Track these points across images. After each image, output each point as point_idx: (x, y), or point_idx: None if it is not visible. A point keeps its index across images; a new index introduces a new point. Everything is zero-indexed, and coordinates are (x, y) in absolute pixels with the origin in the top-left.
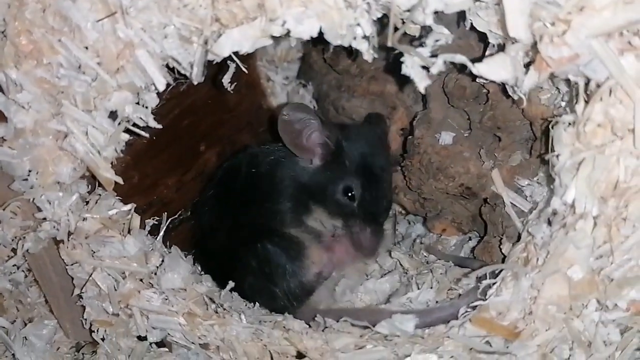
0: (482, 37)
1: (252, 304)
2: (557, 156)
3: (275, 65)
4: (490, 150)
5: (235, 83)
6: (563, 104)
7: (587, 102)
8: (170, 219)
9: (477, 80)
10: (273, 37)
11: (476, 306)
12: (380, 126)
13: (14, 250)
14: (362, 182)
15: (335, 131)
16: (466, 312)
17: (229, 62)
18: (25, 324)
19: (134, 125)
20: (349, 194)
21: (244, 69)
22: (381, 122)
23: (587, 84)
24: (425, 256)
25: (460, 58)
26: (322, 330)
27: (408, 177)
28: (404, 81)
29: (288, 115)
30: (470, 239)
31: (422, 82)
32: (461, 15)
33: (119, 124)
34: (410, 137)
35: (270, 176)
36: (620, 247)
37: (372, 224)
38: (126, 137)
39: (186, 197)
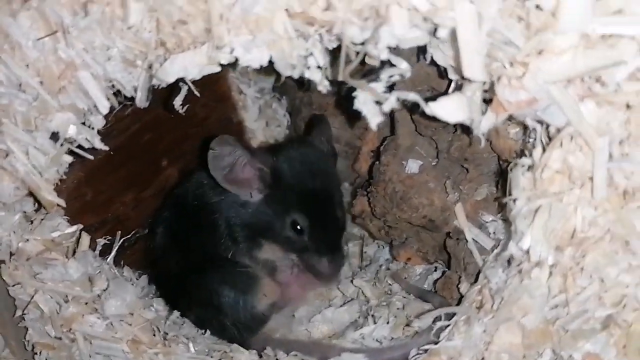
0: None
1: (203, 331)
2: (514, 201)
3: (249, 78)
4: (456, 182)
5: (202, 96)
6: (530, 139)
7: (547, 144)
8: (123, 238)
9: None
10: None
11: (427, 349)
12: (326, 132)
13: None
14: (308, 212)
15: (269, 160)
16: (417, 354)
17: (180, 83)
18: None
19: (80, 146)
20: (297, 227)
21: (196, 93)
22: (324, 127)
23: (547, 127)
24: (390, 284)
25: (413, 96)
26: None
27: (373, 204)
28: (356, 116)
29: (216, 150)
30: (435, 269)
31: (374, 119)
32: (422, 48)
33: (62, 145)
34: (376, 162)
35: (217, 209)
36: (577, 298)
37: (328, 252)
38: (69, 159)
39: (144, 214)
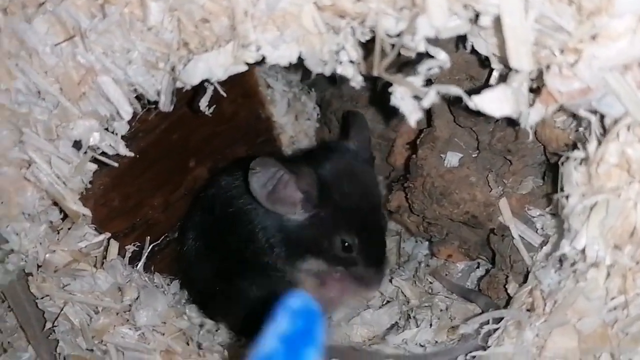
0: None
1: (239, 338)
2: (567, 197)
3: (276, 71)
4: (499, 175)
5: (230, 93)
6: (581, 129)
7: (602, 136)
8: (153, 244)
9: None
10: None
11: (475, 356)
12: (364, 132)
13: None
14: (356, 230)
15: (314, 180)
16: None
17: (206, 84)
18: (5, 350)
19: (103, 153)
20: (346, 245)
21: (223, 94)
22: (360, 127)
23: (602, 119)
24: (430, 282)
25: (454, 90)
26: None
27: (410, 200)
28: (394, 112)
29: (257, 171)
30: (478, 265)
31: (413, 115)
32: (461, 37)
33: (85, 153)
34: (413, 156)
35: (253, 219)
36: (637, 299)
37: (375, 264)
38: (94, 167)
39: (174, 216)
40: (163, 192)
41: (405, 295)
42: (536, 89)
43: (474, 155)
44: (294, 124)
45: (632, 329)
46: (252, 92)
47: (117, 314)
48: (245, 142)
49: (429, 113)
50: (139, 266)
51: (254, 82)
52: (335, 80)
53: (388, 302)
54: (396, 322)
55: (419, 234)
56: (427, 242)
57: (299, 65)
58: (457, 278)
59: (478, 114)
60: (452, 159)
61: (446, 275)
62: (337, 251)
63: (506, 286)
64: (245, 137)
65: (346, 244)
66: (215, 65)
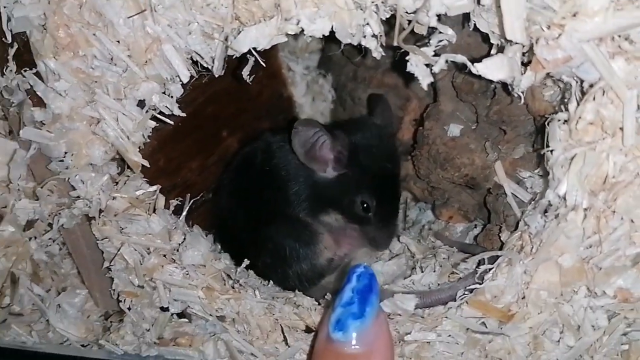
0: (487, 37)
1: (266, 281)
2: (551, 151)
3: (297, 56)
4: (495, 143)
5: (256, 74)
6: (565, 98)
7: (581, 99)
8: (192, 200)
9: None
10: (289, 34)
11: (473, 289)
12: (387, 111)
13: (50, 225)
14: (376, 193)
15: (346, 143)
16: (464, 294)
17: (248, 55)
18: (59, 293)
19: (160, 113)
20: (365, 206)
21: (262, 63)
22: (384, 107)
23: (581, 84)
24: (433, 242)
25: (461, 58)
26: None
27: (417, 166)
28: (409, 77)
29: (300, 130)
30: (475, 226)
31: (425, 80)
32: (466, 17)
33: (146, 111)
34: (420, 128)
35: (286, 172)
36: (609, 238)
37: (387, 227)
38: (153, 124)
39: (208, 180)
40: (200, 157)
41: (410, 251)
42: (527, 63)
43: (473, 127)
44: (312, 104)
45: (605, 264)
46: (276, 74)
47: (165, 255)
48: (268, 118)
49: (434, 90)
50: (181, 217)
51: (277, 65)
52: (352, 63)
53: (396, 256)
54: (404, 272)
55: (424, 199)
56: (429, 211)
57: (317, 51)
58: (456, 238)
59: (478, 89)
60: (454, 129)
61: (447, 235)
62: (356, 209)
63: (500, 235)
64: (269, 114)
65: (365, 204)
66: (261, 36)
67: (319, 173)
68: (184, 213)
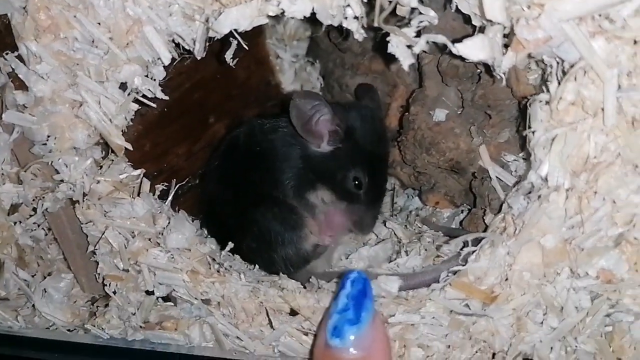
0: (469, 19)
1: (252, 265)
2: (533, 132)
3: (284, 44)
4: (480, 127)
5: (244, 60)
6: (546, 79)
7: (562, 80)
8: (178, 185)
9: (465, 60)
10: (270, 16)
11: (456, 271)
12: (376, 100)
13: (35, 209)
14: (369, 170)
15: (345, 118)
16: (447, 276)
17: (231, 39)
18: (45, 277)
19: (144, 96)
20: (357, 182)
21: (245, 46)
22: (373, 95)
23: (562, 64)
24: (420, 227)
25: (441, 38)
26: (315, 291)
27: (403, 152)
28: (391, 59)
29: (299, 101)
30: (462, 211)
31: (406, 60)
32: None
33: (129, 94)
34: (406, 113)
35: (275, 151)
36: (591, 218)
37: (374, 207)
38: (135, 106)
39: (195, 165)
40: (186, 142)
41: (397, 236)
42: (508, 45)
43: (458, 112)
44: None
45: (587, 245)
46: (264, 61)
47: (150, 239)
48: (256, 105)
49: (420, 76)
50: (166, 202)
51: (265, 52)
52: (339, 49)
53: (382, 241)
54: (389, 257)
55: (411, 185)
56: (417, 198)
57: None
58: (443, 223)
59: (463, 73)
60: (440, 114)
61: (434, 221)
62: (348, 184)
63: (484, 218)
64: (257, 101)
65: (357, 180)
66: (242, 17)
67: (313, 147)
68: (170, 198)
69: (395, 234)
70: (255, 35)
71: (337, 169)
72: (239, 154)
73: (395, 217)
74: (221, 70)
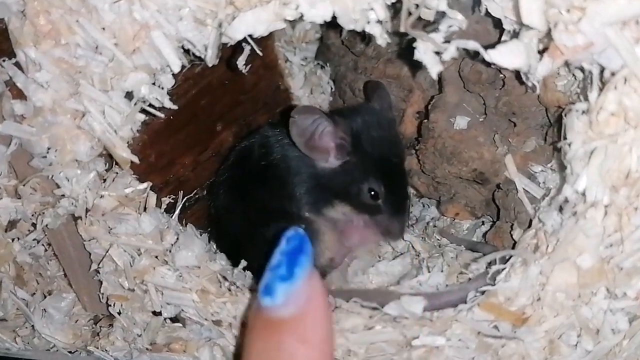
0: (498, 23)
1: None
2: (569, 144)
3: (294, 47)
4: (504, 136)
5: (252, 64)
6: (579, 90)
7: (601, 90)
8: (186, 198)
9: (492, 65)
10: (288, 20)
11: (485, 291)
12: (385, 98)
13: (34, 225)
14: (383, 179)
15: (349, 129)
16: (475, 296)
17: (243, 44)
18: (45, 296)
19: (150, 105)
20: (372, 193)
21: (258, 52)
22: (383, 94)
23: (601, 72)
24: (438, 239)
25: (473, 44)
26: (332, 311)
27: (422, 161)
28: (417, 66)
29: (298, 118)
30: (483, 223)
31: (434, 68)
32: (476, 1)
33: (135, 104)
34: (425, 120)
35: (287, 166)
36: (631, 236)
37: (398, 213)
38: (142, 117)
39: (202, 176)
40: (193, 152)
41: (415, 250)
42: (543, 51)
43: (481, 119)
44: (310, 96)
45: (627, 264)
46: (272, 65)
47: (157, 256)
48: (265, 110)
49: (440, 81)
50: (174, 216)
51: (274, 55)
52: (352, 52)
53: (400, 255)
54: (408, 272)
55: (429, 195)
56: (434, 207)
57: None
58: (463, 235)
59: (486, 79)
60: (461, 122)
61: (453, 233)
62: (364, 198)
63: (511, 233)
64: (266, 107)
65: (373, 191)
66: (258, 22)
67: (321, 164)
68: (177, 211)
69: (413, 247)
70: (263, 37)
71: (350, 184)
72: (251, 166)
73: (412, 228)
74: (229, 76)
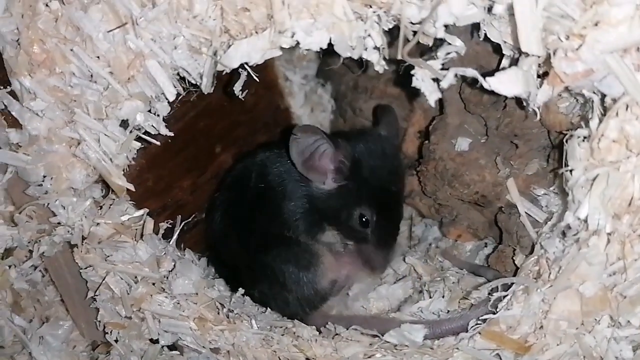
0: (498, 47)
1: (264, 308)
2: (571, 171)
3: (294, 65)
4: (506, 158)
5: (251, 85)
6: (581, 113)
7: (603, 115)
8: (183, 222)
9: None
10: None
11: (486, 319)
12: (393, 125)
13: (31, 252)
14: (377, 208)
15: (349, 152)
16: (476, 324)
17: (240, 69)
18: (43, 322)
19: (146, 132)
20: (363, 220)
21: (255, 78)
22: (391, 118)
23: (602, 98)
24: (440, 261)
25: (471, 72)
26: (332, 338)
27: (423, 183)
28: (415, 93)
29: (299, 137)
30: (486, 245)
31: (432, 95)
32: (475, 26)
33: (130, 132)
34: (426, 142)
35: (283, 191)
36: (634, 264)
37: (384, 246)
38: (137, 145)
39: (201, 199)
40: (191, 175)
41: (417, 273)
42: (543, 75)
43: (482, 141)
44: (310, 115)
45: (630, 292)
46: (272, 84)
47: (154, 284)
48: (265, 131)
49: (440, 102)
50: (171, 242)
51: (273, 75)
52: (352, 72)
53: (402, 278)
54: (410, 296)
55: (431, 216)
56: (436, 227)
57: (315, 59)
58: (465, 257)
59: (489, 98)
60: (463, 143)
61: (455, 255)
62: (354, 224)
63: (514, 258)
64: (266, 127)
65: (364, 218)
66: (253, 50)
67: (317, 185)
68: (175, 237)
69: (415, 270)
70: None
71: (342, 208)
72: (247, 189)
73: (414, 249)
74: (227, 97)
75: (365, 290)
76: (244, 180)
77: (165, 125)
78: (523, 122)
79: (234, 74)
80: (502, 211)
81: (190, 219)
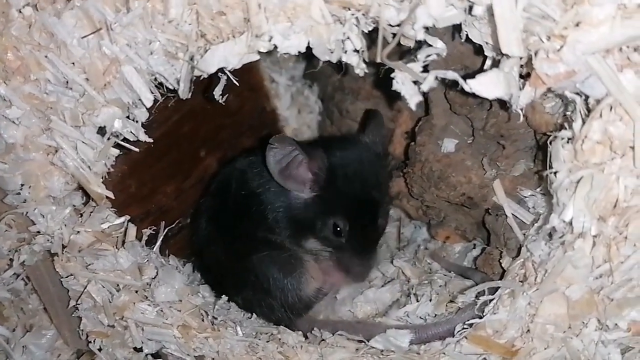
0: (480, 48)
1: (249, 314)
2: (555, 173)
3: (280, 66)
4: (493, 159)
5: (235, 89)
6: (568, 112)
7: (586, 117)
8: (167, 228)
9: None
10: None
11: (473, 323)
12: (379, 130)
13: (12, 261)
14: (350, 217)
15: (324, 163)
16: (463, 329)
17: (220, 74)
18: (27, 331)
19: (125, 139)
20: (337, 230)
21: (235, 82)
22: (377, 125)
23: (586, 99)
24: (429, 263)
25: (451, 74)
26: (318, 344)
27: (410, 185)
28: (396, 96)
29: (274, 147)
30: (474, 246)
31: (413, 99)
32: (457, 27)
33: (108, 139)
34: (412, 143)
35: (265, 196)
36: (621, 267)
37: (362, 254)
38: (116, 152)
39: (186, 204)
40: (175, 180)
41: (405, 275)
42: (526, 75)
43: (469, 141)
44: (297, 116)
45: (617, 295)
46: (257, 86)
47: (137, 291)
48: (251, 134)
49: (426, 102)
50: (155, 248)
51: (259, 77)
52: (339, 73)
53: (390, 281)
54: (397, 299)
55: (418, 218)
56: (425, 228)
57: (301, 59)
58: (454, 259)
59: (474, 99)
60: (449, 144)
61: (444, 256)
62: (327, 233)
63: (500, 261)
64: (251, 129)
65: (337, 228)
66: (230, 54)
67: (295, 194)
68: (158, 243)
69: (403, 272)
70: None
71: (317, 218)
72: (230, 195)
73: (402, 251)
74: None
75: (353, 294)
76: (227, 186)
77: (146, 131)
78: (509, 123)
79: (215, 77)
80: (489, 213)
81: (174, 225)
